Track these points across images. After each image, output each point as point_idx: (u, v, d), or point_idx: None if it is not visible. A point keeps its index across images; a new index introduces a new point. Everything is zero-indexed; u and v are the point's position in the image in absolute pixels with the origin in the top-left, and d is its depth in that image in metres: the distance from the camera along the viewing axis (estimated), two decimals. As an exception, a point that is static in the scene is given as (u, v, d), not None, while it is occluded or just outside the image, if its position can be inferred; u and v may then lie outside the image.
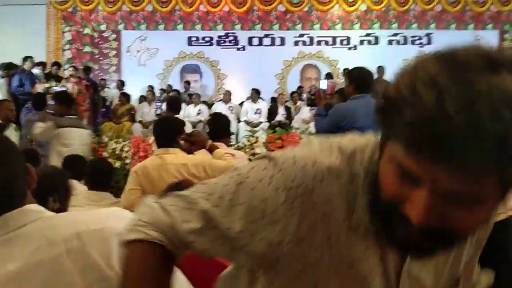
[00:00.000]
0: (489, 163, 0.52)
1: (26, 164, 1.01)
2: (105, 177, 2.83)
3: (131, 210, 2.63)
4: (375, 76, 4.67)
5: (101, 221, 0.98)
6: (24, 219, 0.95)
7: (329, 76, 9.46)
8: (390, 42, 11.01)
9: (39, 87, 6.76)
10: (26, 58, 7.66)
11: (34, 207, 0.99)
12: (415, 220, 0.58)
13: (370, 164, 0.70)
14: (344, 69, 8.88)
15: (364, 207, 0.68)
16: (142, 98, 9.40)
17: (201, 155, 2.72)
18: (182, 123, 3.18)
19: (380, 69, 9.13)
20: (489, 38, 10.88)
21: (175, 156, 2.63)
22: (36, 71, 7.78)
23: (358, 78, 3.37)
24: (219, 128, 3.16)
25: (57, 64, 8.27)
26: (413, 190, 0.58)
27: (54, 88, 6.29)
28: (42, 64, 8.56)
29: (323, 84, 4.06)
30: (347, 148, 0.72)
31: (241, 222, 0.72)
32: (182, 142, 2.83)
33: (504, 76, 0.54)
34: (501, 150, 0.51)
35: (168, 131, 2.76)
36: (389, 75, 9.44)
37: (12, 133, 4.65)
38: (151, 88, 9.63)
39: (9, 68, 7.62)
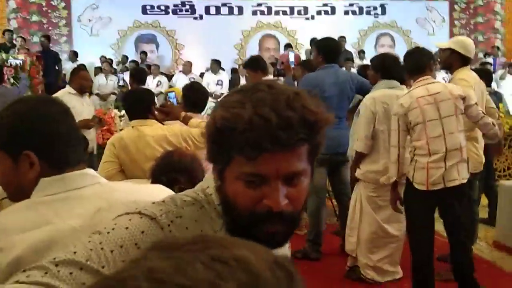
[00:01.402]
0: (297, 138, 0.72)
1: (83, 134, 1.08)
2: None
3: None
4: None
5: (153, 193, 1.03)
6: (83, 182, 1.01)
7: (288, 46, 9.50)
8: (346, 12, 11.16)
9: (-13, 59, 6.35)
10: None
11: (92, 172, 1.05)
12: (276, 207, 0.74)
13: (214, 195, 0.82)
14: (312, 39, 8.93)
15: (222, 229, 0.81)
16: (98, 70, 9.06)
17: (178, 125, 2.72)
18: (153, 94, 3.15)
19: (341, 40, 9.27)
20: (440, 8, 11.29)
21: (153, 128, 2.60)
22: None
23: (327, 49, 3.45)
24: (197, 99, 3.16)
25: (9, 31, 7.75)
26: (264, 188, 0.75)
27: (12, 60, 5.94)
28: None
29: (291, 55, 4.12)
30: (196, 189, 0.86)
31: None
32: (156, 113, 2.82)
33: None
34: (299, 131, 0.72)
35: (141, 103, 2.71)
36: (347, 46, 9.64)
37: (86, 102, 4.39)
38: (105, 58, 9.30)
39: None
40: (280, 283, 0.37)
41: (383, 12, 11.20)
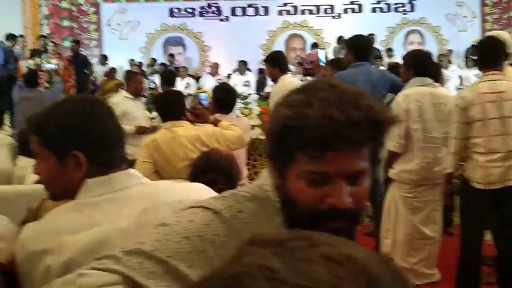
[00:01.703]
0: (363, 137, 0.73)
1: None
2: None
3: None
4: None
5: (196, 192, 1.05)
6: (127, 182, 1.02)
7: (315, 45, 9.44)
8: (373, 10, 11.00)
9: (23, 64, 6.58)
10: (8, 36, 7.42)
11: (136, 172, 1.07)
12: (341, 205, 0.75)
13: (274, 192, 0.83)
14: (339, 37, 8.86)
15: (281, 227, 0.81)
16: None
17: (210, 126, 2.74)
18: (184, 96, 3.17)
19: (370, 37, 9.13)
20: (471, 3, 10.98)
21: (186, 128, 2.63)
22: (16, 48, 7.55)
23: (358, 46, 3.39)
24: (227, 101, 3.18)
25: (43, 37, 8.01)
26: (327, 186, 0.76)
27: (45, 64, 6.13)
28: (22, 39, 8.30)
29: (321, 54, 4.08)
30: (253, 186, 0.87)
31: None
32: (188, 114, 2.85)
33: None
34: (365, 130, 0.72)
35: (174, 105, 2.75)
36: (375, 43, 9.49)
37: (139, 106, 4.49)
38: (134, 61, 9.47)
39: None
40: (396, 282, 0.36)
41: (412, 8, 10.98)
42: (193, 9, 10.80)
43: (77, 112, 1.05)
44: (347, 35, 9.41)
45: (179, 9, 10.78)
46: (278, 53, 4.24)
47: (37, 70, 5.76)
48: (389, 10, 11.00)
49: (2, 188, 2.65)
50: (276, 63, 3.97)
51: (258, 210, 0.81)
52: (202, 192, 1.07)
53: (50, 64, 6.24)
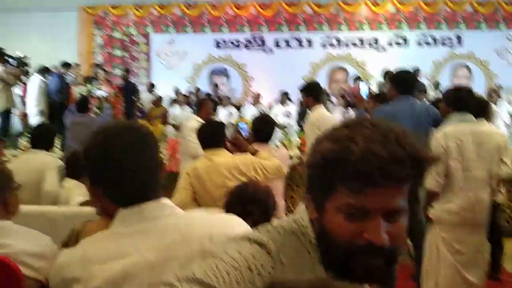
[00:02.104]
0: (405, 174, 0.74)
1: (161, 158, 1.11)
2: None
3: (184, 209, 2.72)
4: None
5: (228, 226, 1.05)
6: (158, 212, 1.03)
7: (358, 79, 9.41)
8: (419, 43, 10.88)
9: (75, 90, 6.96)
10: (64, 64, 7.91)
11: (168, 201, 1.07)
12: (378, 241, 0.75)
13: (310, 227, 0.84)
14: (385, 72, 8.83)
15: (319, 263, 0.81)
16: (173, 101, 9.55)
17: (249, 155, 2.77)
18: (224, 125, 3.23)
19: (416, 71, 9.01)
20: (521, 37, 10.66)
21: (224, 157, 2.67)
22: (69, 75, 8.01)
23: (401, 80, 3.37)
24: (266, 131, 3.21)
25: (97, 65, 8.49)
26: (366, 222, 0.76)
27: (96, 91, 6.47)
28: (76, 67, 8.82)
29: (364, 87, 4.07)
30: (290, 220, 0.87)
31: None
32: (227, 144, 2.90)
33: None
34: (407, 167, 0.74)
35: (215, 133, 2.80)
36: (420, 77, 9.35)
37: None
38: (178, 90, 9.79)
39: (48, 71, 7.90)
40: None
41: (459, 42, 10.78)
42: (238, 41, 11.11)
43: (98, 144, 1.05)
44: (391, 68, 9.37)
45: (225, 41, 11.12)
46: (314, 83, 4.28)
47: (89, 97, 6.07)
48: (436, 44, 10.85)
49: (49, 209, 2.78)
50: (310, 93, 4.01)
51: (298, 245, 0.82)
52: (234, 225, 1.07)
53: (101, 91, 6.56)
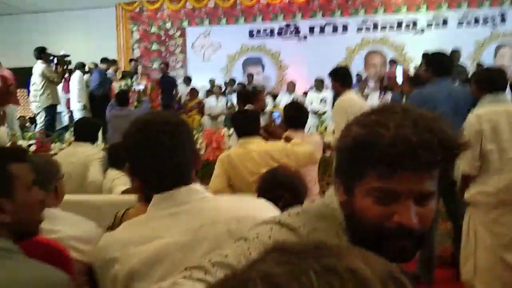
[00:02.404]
0: (435, 159, 0.75)
1: (196, 148, 1.17)
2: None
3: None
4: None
5: (256, 209, 1.09)
6: (189, 197, 1.09)
7: (393, 62, 9.18)
8: (460, 23, 10.45)
9: (115, 85, 7.20)
10: (102, 60, 8.16)
11: (198, 186, 1.13)
12: (409, 224, 0.77)
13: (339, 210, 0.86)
14: (424, 54, 8.57)
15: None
16: (209, 92, 9.69)
17: (281, 142, 2.82)
18: (259, 114, 3.28)
19: (455, 53, 8.68)
20: None
21: (257, 144, 2.73)
22: (110, 71, 8.27)
23: (437, 62, 3.28)
24: (298, 118, 3.23)
25: (134, 60, 8.75)
26: (395, 205, 0.78)
27: (136, 86, 6.68)
28: (115, 63, 9.09)
29: (399, 71, 3.98)
30: (320, 204, 0.90)
31: None
32: (261, 132, 2.95)
33: None
34: (437, 152, 0.75)
35: (248, 122, 2.86)
36: (462, 59, 9.01)
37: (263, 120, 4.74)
38: (213, 81, 9.91)
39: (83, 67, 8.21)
40: None
41: (503, 20, 10.27)
42: (272, 29, 11.08)
43: (133, 134, 1.13)
44: (431, 50, 9.03)
45: (258, 30, 11.11)
46: (341, 68, 4.20)
47: (128, 91, 6.27)
48: (477, 23, 10.38)
49: (93, 197, 2.94)
50: (337, 78, 3.96)
51: (328, 228, 0.84)
52: (262, 208, 1.11)
53: (140, 85, 6.76)
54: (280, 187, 1.71)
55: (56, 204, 1.86)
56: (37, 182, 1.23)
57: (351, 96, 3.89)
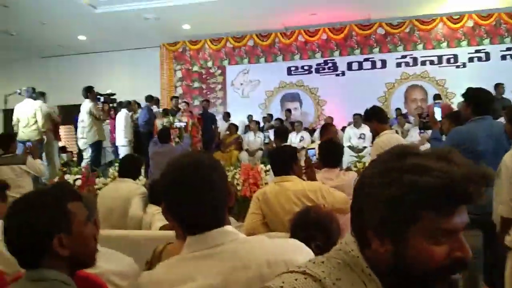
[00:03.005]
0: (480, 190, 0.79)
1: (229, 186, 1.18)
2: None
3: (254, 233, 2.78)
4: (493, 94, 4.39)
5: (287, 252, 1.09)
6: (221, 239, 1.11)
7: (437, 97, 9.01)
8: (503, 57, 10.21)
9: (158, 122, 7.47)
10: (148, 97, 8.54)
11: (231, 228, 1.15)
12: (468, 256, 0.79)
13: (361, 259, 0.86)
14: (465, 91, 8.40)
15: None
16: (247, 128, 9.85)
17: (318, 182, 2.81)
18: (295, 152, 3.28)
19: (499, 87, 8.46)
20: None
21: (293, 183, 2.73)
22: (155, 108, 8.60)
23: (476, 100, 3.18)
24: (333, 156, 3.23)
25: (175, 98, 9.10)
26: (452, 241, 0.79)
27: (177, 123, 6.91)
28: (158, 101, 9.47)
29: (437, 111, 3.92)
30: (340, 251, 0.90)
31: None
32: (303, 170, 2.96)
33: None
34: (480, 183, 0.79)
35: (285, 160, 2.86)
36: (506, 93, 8.74)
37: None
38: (251, 117, 10.08)
39: (129, 105, 8.59)
40: None
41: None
42: (310, 66, 11.23)
43: (167, 175, 1.17)
44: (474, 85, 8.80)
45: (296, 67, 11.30)
46: (372, 108, 4.17)
47: (170, 128, 6.50)
48: (521, 57, 10.11)
49: (134, 233, 3.02)
50: (373, 117, 3.95)
51: (353, 277, 0.83)
52: (293, 250, 1.11)
53: (182, 122, 6.98)
54: (312, 226, 1.71)
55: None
56: (89, 218, 1.32)
57: (389, 136, 3.87)
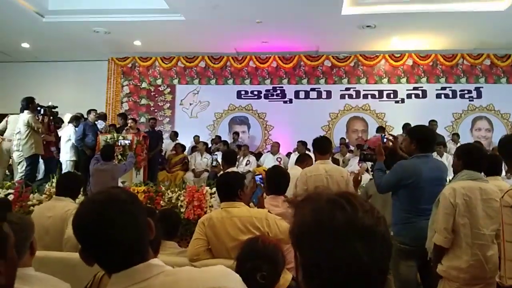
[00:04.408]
0: None
1: (148, 219, 1.15)
2: (172, 227, 2.99)
3: (197, 259, 2.75)
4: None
5: (217, 280, 1.08)
6: (148, 273, 1.08)
7: (381, 129, 9.44)
8: (438, 95, 10.98)
9: (101, 138, 7.21)
10: (90, 111, 8.24)
11: (156, 261, 1.13)
12: None
13: None
14: (405, 124, 8.89)
15: None
16: (194, 148, 9.78)
17: (265, 211, 2.83)
18: (243, 178, 3.30)
19: (432, 123, 9.07)
20: (542, 92, 10.64)
21: (240, 210, 2.74)
22: (100, 123, 8.31)
23: (421, 137, 3.31)
24: (280, 183, 3.28)
25: (122, 116, 8.79)
26: None
27: (121, 141, 6.70)
28: (104, 116, 9.15)
29: (384, 136, 4.05)
30: None
31: None
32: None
33: None
34: None
35: (232, 186, 2.86)
36: (440, 129, 9.37)
37: None
38: (197, 138, 10.04)
39: (77, 119, 8.24)
40: None
41: (479, 95, 10.83)
42: (259, 91, 11.44)
43: (81, 216, 1.12)
44: (410, 120, 9.46)
45: (246, 91, 11.47)
46: (316, 140, 4.36)
47: (114, 145, 6.30)
48: (454, 96, 10.92)
49: (70, 255, 2.88)
50: (313, 146, 4.21)
51: None
52: (223, 277, 1.10)
53: (126, 140, 6.79)
54: (259, 257, 1.73)
55: (31, 258, 1.83)
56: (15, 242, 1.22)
57: (315, 166, 4.05)
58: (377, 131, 9.52)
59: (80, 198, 5.15)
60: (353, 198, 0.82)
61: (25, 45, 10.61)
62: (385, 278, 0.79)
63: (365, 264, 0.76)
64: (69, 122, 8.15)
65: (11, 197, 5.91)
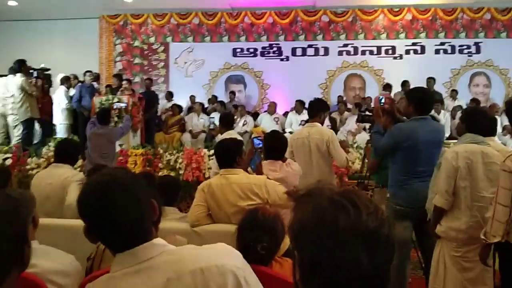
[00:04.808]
0: None
1: (151, 200, 1.17)
2: (172, 192, 3.00)
3: (198, 224, 2.79)
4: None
5: (218, 256, 1.10)
6: (151, 253, 1.11)
7: (387, 86, 9.32)
8: (437, 51, 10.81)
9: (96, 100, 7.12)
10: (86, 72, 8.09)
11: (158, 241, 1.15)
12: None
13: None
14: (403, 82, 8.80)
15: None
16: (190, 109, 9.71)
17: (263, 177, 2.85)
18: (241, 144, 3.26)
19: (430, 81, 8.98)
20: (542, 46, 10.50)
21: (239, 176, 2.75)
22: (95, 84, 8.17)
23: (419, 100, 3.29)
24: (278, 148, 3.28)
25: (118, 76, 8.62)
26: None
27: (117, 103, 6.63)
28: (97, 77, 8.99)
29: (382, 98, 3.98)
30: None
31: None
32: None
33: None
34: None
35: (230, 153, 2.85)
36: (438, 85, 9.29)
37: None
38: (193, 98, 9.94)
39: (68, 80, 8.11)
40: None
41: (478, 50, 10.68)
42: (255, 49, 11.22)
43: (85, 197, 1.15)
44: (408, 77, 9.37)
45: (242, 49, 11.25)
46: (314, 101, 4.33)
47: (110, 109, 6.23)
48: (453, 52, 10.76)
49: (71, 222, 2.91)
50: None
51: None
52: (225, 254, 1.12)
53: (122, 103, 6.71)
54: (259, 229, 1.75)
55: (34, 231, 1.85)
56: None
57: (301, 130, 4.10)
58: (383, 89, 9.43)
59: (79, 162, 5.16)
60: (356, 198, 0.79)
61: (12, 2, 10.25)
62: (386, 282, 0.79)
63: (366, 267, 0.75)
64: (61, 84, 8.02)
65: (9, 161, 5.93)
